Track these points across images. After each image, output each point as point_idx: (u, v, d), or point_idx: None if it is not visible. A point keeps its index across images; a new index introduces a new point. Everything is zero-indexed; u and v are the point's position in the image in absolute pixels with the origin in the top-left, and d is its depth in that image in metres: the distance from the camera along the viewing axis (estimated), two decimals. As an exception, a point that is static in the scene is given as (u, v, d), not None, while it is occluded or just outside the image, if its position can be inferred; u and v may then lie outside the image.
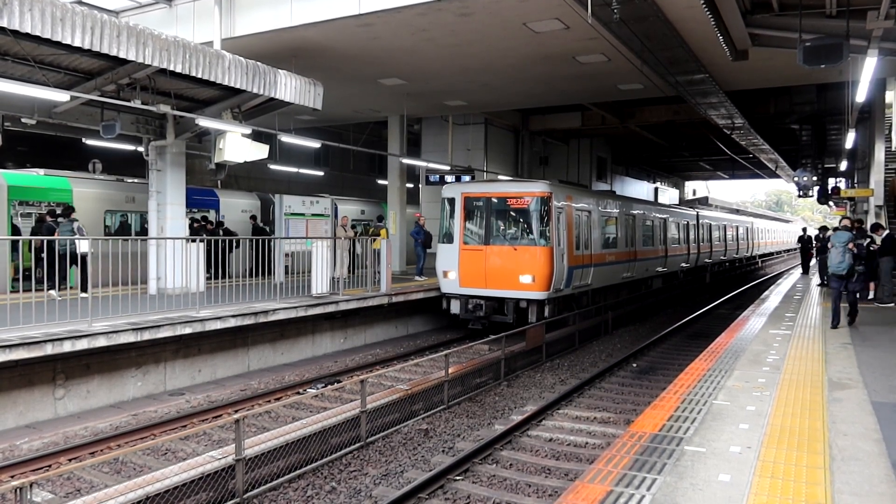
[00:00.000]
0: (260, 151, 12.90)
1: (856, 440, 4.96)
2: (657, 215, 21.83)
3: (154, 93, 11.48)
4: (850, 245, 9.83)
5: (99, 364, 9.46)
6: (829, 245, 10.48)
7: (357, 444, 7.85)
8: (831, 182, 28.02)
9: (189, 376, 10.84)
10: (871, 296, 13.52)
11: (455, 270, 14.47)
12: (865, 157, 20.60)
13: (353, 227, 18.00)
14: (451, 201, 14.84)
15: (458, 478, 6.89)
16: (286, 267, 15.36)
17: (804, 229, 24.35)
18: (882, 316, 11.78)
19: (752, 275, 38.08)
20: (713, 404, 5.98)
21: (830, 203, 30.72)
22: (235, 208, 18.25)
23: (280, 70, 11.75)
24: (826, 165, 28.94)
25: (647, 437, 5.16)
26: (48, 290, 10.60)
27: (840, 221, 11.83)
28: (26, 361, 8.29)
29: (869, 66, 9.98)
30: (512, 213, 14.52)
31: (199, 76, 10.31)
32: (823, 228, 19.29)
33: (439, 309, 15.30)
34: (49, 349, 8.15)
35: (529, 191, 14.29)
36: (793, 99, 20.52)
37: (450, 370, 9.99)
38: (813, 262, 21.97)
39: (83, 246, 11.22)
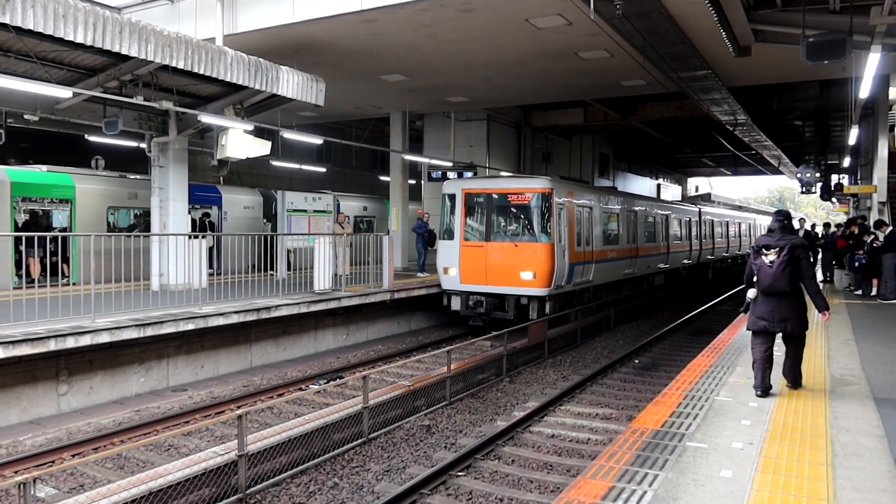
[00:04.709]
0: (262, 148, 12.92)
1: (858, 436, 4.95)
2: (659, 212, 21.78)
3: (156, 89, 11.50)
4: None
5: (102, 360, 9.49)
6: None
7: (359, 440, 7.88)
8: (834, 178, 27.92)
9: (192, 372, 10.87)
10: (874, 292, 13.54)
11: (456, 267, 14.44)
12: (868, 153, 20.48)
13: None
14: (452, 197, 14.80)
15: (460, 474, 6.91)
16: (288, 263, 15.40)
17: (802, 220, 21.11)
18: (885, 312, 11.75)
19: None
20: (715, 400, 5.98)
21: (833, 199, 30.59)
22: (238, 204, 18.27)
23: (282, 66, 11.74)
24: (829, 162, 28.78)
25: (649, 434, 5.16)
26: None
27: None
28: (30, 357, 8.33)
29: (872, 63, 9.95)
30: (513, 209, 14.47)
31: (202, 72, 10.31)
32: (826, 226, 18.69)
33: (441, 305, 15.29)
34: (52, 345, 8.17)
35: (530, 187, 14.24)
36: (796, 95, 20.44)
37: (452, 366, 10.00)
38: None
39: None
